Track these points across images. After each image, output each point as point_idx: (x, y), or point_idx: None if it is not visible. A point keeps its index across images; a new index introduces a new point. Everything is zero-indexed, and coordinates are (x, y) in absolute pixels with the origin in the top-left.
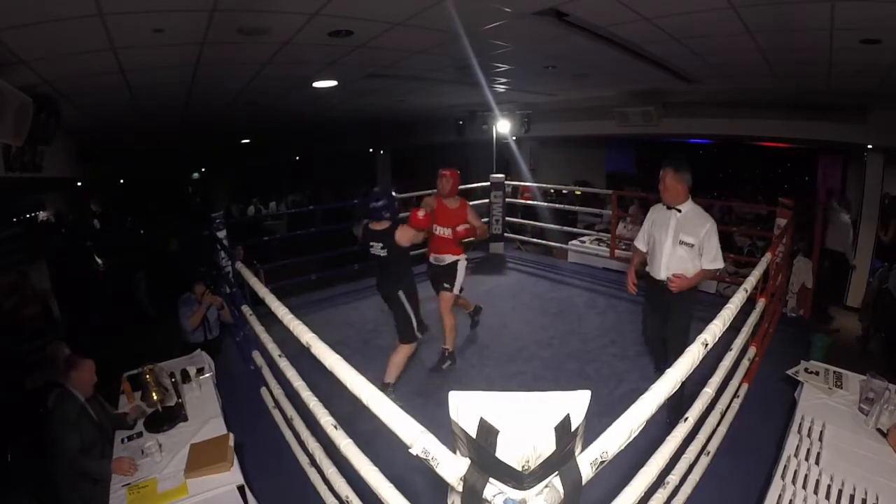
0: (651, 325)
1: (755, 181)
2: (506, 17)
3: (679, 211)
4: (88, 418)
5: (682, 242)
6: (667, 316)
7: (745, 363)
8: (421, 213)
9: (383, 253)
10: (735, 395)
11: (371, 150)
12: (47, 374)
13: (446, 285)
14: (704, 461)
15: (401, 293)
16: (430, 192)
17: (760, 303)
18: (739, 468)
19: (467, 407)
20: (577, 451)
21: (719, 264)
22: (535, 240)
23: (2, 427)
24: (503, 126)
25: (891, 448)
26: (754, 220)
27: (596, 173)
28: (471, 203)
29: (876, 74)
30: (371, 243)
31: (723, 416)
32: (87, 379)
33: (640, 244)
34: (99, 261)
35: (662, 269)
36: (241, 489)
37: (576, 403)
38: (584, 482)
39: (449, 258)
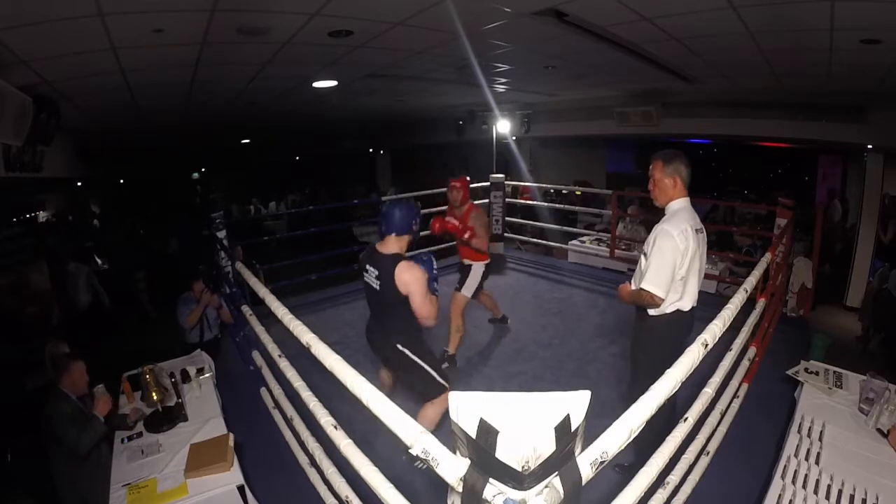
0: None
1: (754, 181)
2: (506, 17)
3: (664, 214)
4: (82, 416)
5: (643, 252)
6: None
7: (745, 363)
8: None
9: (375, 284)
10: (735, 395)
11: (371, 150)
12: (47, 374)
13: (457, 286)
14: (704, 461)
15: (401, 346)
16: (429, 192)
17: (760, 303)
18: (739, 468)
19: (467, 407)
20: (577, 451)
21: (649, 287)
22: (534, 240)
23: (2, 427)
24: (503, 126)
25: (891, 448)
26: (754, 220)
27: (596, 173)
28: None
29: (876, 74)
30: (367, 267)
31: (723, 416)
32: (79, 380)
33: None
34: (99, 261)
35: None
36: (241, 489)
37: (576, 403)
38: (584, 482)
39: (466, 262)
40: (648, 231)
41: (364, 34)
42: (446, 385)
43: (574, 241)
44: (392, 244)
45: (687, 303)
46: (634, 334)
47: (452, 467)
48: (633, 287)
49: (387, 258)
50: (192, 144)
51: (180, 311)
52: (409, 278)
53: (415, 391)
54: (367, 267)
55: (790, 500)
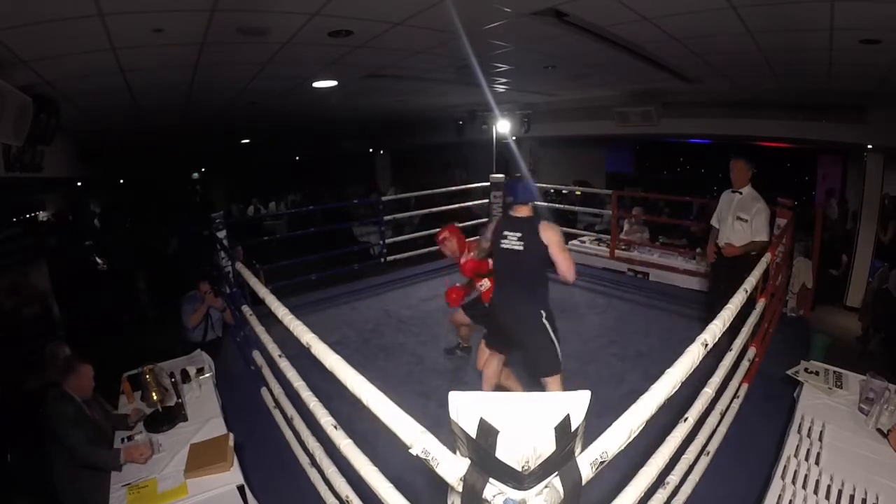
0: (713, 286)
1: (753, 181)
2: (506, 17)
3: (740, 193)
4: (85, 418)
5: (738, 218)
6: (723, 277)
7: (745, 363)
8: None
9: (519, 246)
10: (735, 395)
11: (371, 150)
12: (47, 374)
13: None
14: (704, 461)
15: (544, 316)
16: (429, 192)
17: (760, 303)
18: (739, 468)
19: (467, 407)
20: (577, 451)
21: (762, 237)
22: None
23: (2, 427)
24: (503, 126)
25: (891, 448)
26: None
27: (596, 173)
28: (470, 203)
29: (876, 74)
30: (504, 233)
31: (723, 416)
32: (86, 384)
33: (714, 222)
34: (99, 261)
35: (723, 240)
36: (241, 489)
37: (576, 403)
38: (584, 482)
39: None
40: (650, 232)
41: (364, 34)
42: (562, 362)
43: (574, 241)
44: (525, 210)
45: None
46: (737, 273)
47: (452, 467)
48: (739, 243)
49: (527, 219)
50: (192, 144)
51: (184, 309)
52: (552, 233)
53: (538, 369)
54: (506, 233)
55: (790, 500)
